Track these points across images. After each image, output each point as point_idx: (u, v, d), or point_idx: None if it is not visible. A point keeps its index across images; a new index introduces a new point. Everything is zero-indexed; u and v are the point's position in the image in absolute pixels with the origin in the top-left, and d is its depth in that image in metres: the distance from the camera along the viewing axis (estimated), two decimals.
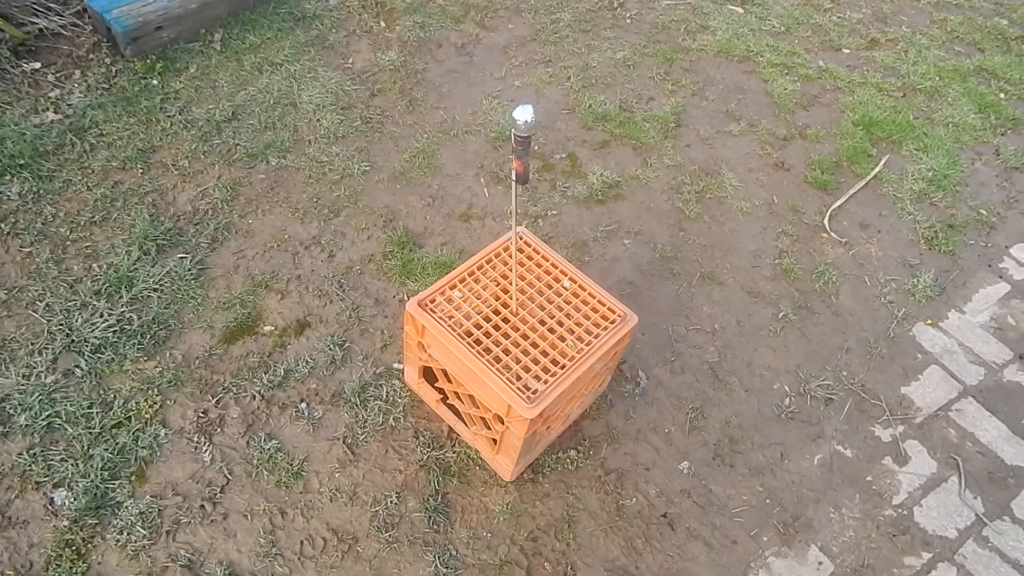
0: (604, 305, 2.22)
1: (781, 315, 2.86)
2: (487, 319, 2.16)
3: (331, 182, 3.09)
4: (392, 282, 2.78)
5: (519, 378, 2.02)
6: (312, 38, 3.65)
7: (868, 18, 4.41)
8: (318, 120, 3.31)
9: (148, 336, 2.51)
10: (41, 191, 2.87)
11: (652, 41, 3.94)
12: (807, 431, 2.54)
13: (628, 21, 4.06)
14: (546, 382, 2.01)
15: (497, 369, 2.01)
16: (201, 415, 2.34)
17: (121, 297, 2.60)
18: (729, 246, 3.06)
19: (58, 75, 3.25)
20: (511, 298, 2.19)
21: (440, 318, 2.12)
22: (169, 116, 3.21)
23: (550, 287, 2.25)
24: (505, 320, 2.18)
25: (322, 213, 2.98)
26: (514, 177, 1.87)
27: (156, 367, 2.44)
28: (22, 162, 2.92)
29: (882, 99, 3.82)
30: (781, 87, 3.80)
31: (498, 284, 2.26)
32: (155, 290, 2.64)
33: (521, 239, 2.35)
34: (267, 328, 2.60)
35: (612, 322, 2.18)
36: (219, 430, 2.31)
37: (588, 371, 2.10)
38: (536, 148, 3.33)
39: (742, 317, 2.83)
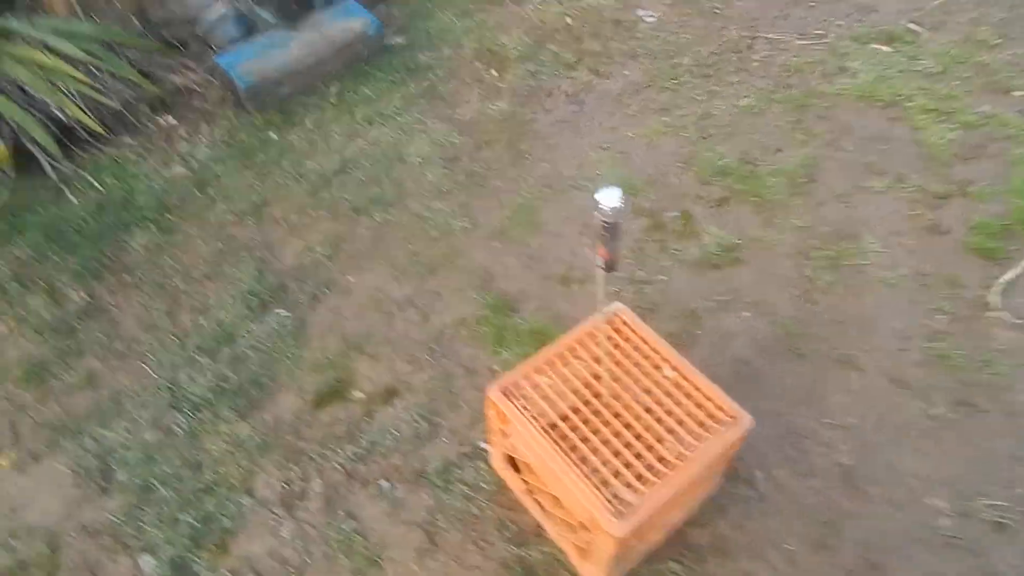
0: (711, 400, 1.96)
1: (935, 412, 2.45)
2: (576, 410, 1.97)
3: (430, 239, 3.03)
4: (484, 349, 2.66)
5: (607, 484, 1.81)
6: (423, 89, 3.64)
7: None
8: (423, 174, 3.28)
9: (243, 396, 2.53)
10: (163, 244, 3.01)
11: (782, 86, 3.62)
12: (971, 564, 2.13)
13: (755, 64, 3.75)
14: (639, 493, 1.79)
15: (583, 472, 1.82)
16: (285, 485, 2.31)
17: (222, 354, 2.64)
18: (869, 324, 2.69)
19: (188, 129, 3.43)
20: (602, 388, 1.99)
21: (524, 407, 1.96)
22: (283, 170, 3.29)
23: (649, 375, 2.03)
24: (596, 413, 1.98)
25: (419, 272, 2.91)
26: (600, 264, 1.68)
27: (248, 430, 2.44)
28: (149, 215, 3.07)
29: None
30: (936, 136, 3.35)
31: (590, 370, 2.07)
32: (254, 348, 2.66)
33: (619, 318, 2.15)
34: (357, 394, 2.55)
35: (720, 423, 1.92)
36: (300, 503, 2.26)
37: (692, 481, 1.85)
38: (646, 206, 3.11)
39: (885, 411, 2.46)
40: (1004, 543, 2.16)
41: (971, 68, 3.67)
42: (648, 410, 1.96)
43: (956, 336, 2.66)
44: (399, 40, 3.85)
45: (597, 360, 2.07)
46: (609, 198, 1.55)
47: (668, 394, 1.99)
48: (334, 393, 2.55)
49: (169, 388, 2.54)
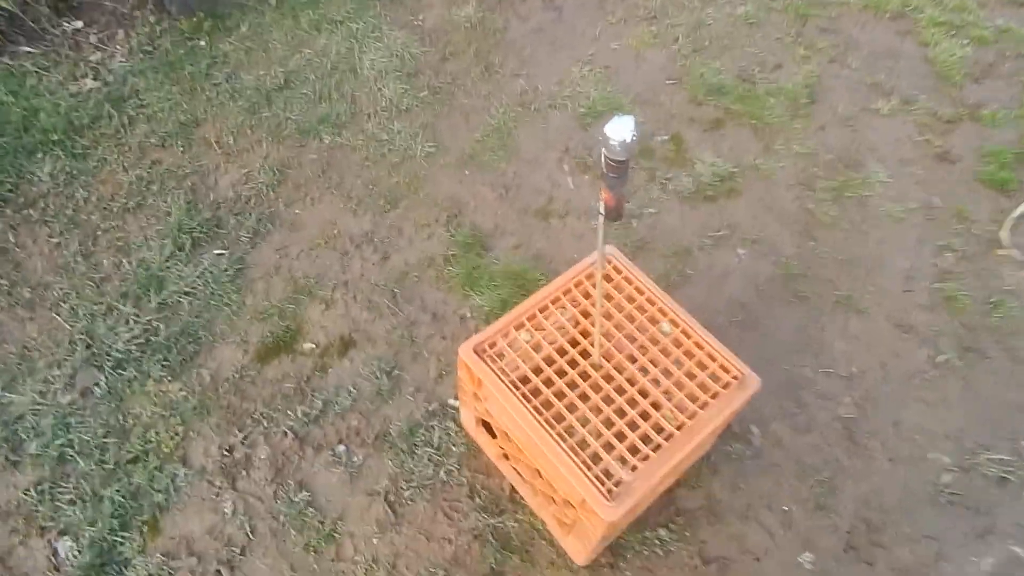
0: (715, 360, 1.71)
1: (941, 359, 2.26)
2: (561, 373, 1.70)
3: (390, 165, 2.66)
4: (453, 293, 2.35)
5: (598, 460, 1.56)
6: None
7: None
8: (379, 89, 2.87)
9: (175, 350, 2.19)
10: (74, 171, 2.58)
11: None
12: (973, 523, 1.97)
13: None
14: (634, 469, 1.54)
15: (570, 447, 1.56)
16: (226, 453, 2.02)
17: (150, 301, 2.29)
18: (874, 263, 2.45)
19: (100, 35, 2.93)
20: (593, 347, 1.72)
21: (500, 370, 1.67)
22: (215, 84, 2.84)
23: (644, 330, 1.76)
24: (584, 376, 1.71)
25: (377, 204, 2.56)
26: (601, 210, 1.37)
27: (181, 389, 2.12)
28: (55, 137, 2.63)
29: None
30: (946, 52, 3.04)
31: (577, 324, 1.79)
32: (187, 294, 2.31)
33: (609, 263, 1.85)
34: (307, 345, 2.23)
35: (726, 386, 1.67)
36: (244, 473, 1.98)
37: (694, 451, 1.61)
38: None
39: (888, 359, 2.25)
40: (1008, 499, 2.01)
41: None
42: (643, 371, 1.70)
43: (965, 276, 2.44)
44: None
45: (586, 313, 1.78)
46: (619, 130, 1.22)
47: (666, 352, 1.73)
48: (281, 345, 2.23)
49: (86, 342, 2.19)
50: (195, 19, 2.96)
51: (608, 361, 1.72)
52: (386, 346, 2.23)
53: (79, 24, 2.92)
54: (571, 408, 1.63)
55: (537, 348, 1.73)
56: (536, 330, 1.75)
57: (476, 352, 1.71)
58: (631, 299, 1.81)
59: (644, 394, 1.66)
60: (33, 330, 2.24)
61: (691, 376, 1.69)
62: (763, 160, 2.69)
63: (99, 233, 2.45)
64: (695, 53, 3.01)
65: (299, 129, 2.75)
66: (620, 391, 1.67)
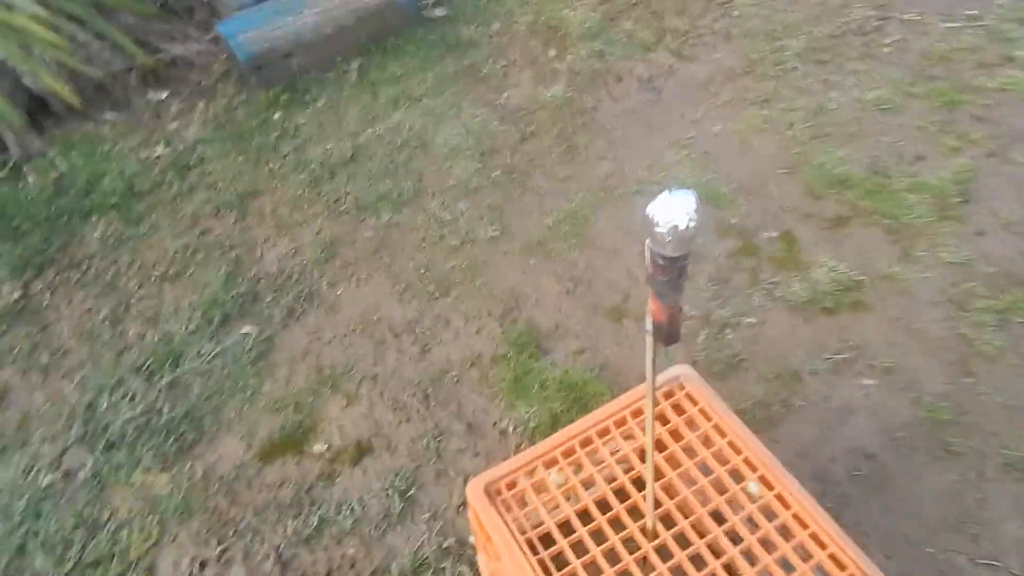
0: (823, 547, 1.18)
1: None
2: (599, 537, 1.23)
3: (448, 248, 2.37)
4: (497, 401, 1.95)
5: None
6: (463, 69, 3.00)
7: None
8: (449, 167, 2.62)
9: (174, 437, 1.92)
10: (124, 236, 2.47)
11: (923, 77, 2.77)
12: None
13: (886, 50, 2.92)
14: None
15: None
16: (196, 570, 1.67)
17: (162, 378, 2.05)
18: None
19: (182, 106, 2.91)
20: (646, 506, 1.25)
21: (515, 522, 1.24)
22: (282, 156, 2.71)
23: (723, 489, 1.27)
24: (631, 545, 1.24)
25: (427, 290, 2.25)
26: (648, 327, 0.96)
27: (168, 483, 1.83)
28: (113, 201, 2.55)
29: None
30: None
31: (631, 470, 1.33)
32: (202, 374, 2.06)
33: (682, 390, 1.40)
34: (318, 447, 1.89)
35: None
36: None
37: None
38: (734, 222, 2.35)
39: None
40: None
41: None
42: (714, 551, 1.20)
43: None
44: (439, 12, 3.24)
45: (640, 455, 1.33)
46: (671, 211, 0.83)
47: (752, 526, 1.23)
48: (289, 443, 1.91)
49: (85, 416, 1.96)
50: (273, 92, 2.88)
51: (667, 529, 1.24)
52: (407, 458, 1.85)
53: (164, 95, 2.92)
54: None
55: (571, 496, 1.29)
56: (574, 471, 1.31)
57: (488, 494, 1.29)
58: (708, 442, 1.33)
59: None
60: (40, 398, 2.05)
61: (786, 567, 1.17)
62: (900, 269, 2.16)
63: (132, 301, 2.28)
64: (814, 140, 2.58)
65: (358, 205, 2.53)
66: (678, 574, 1.18)
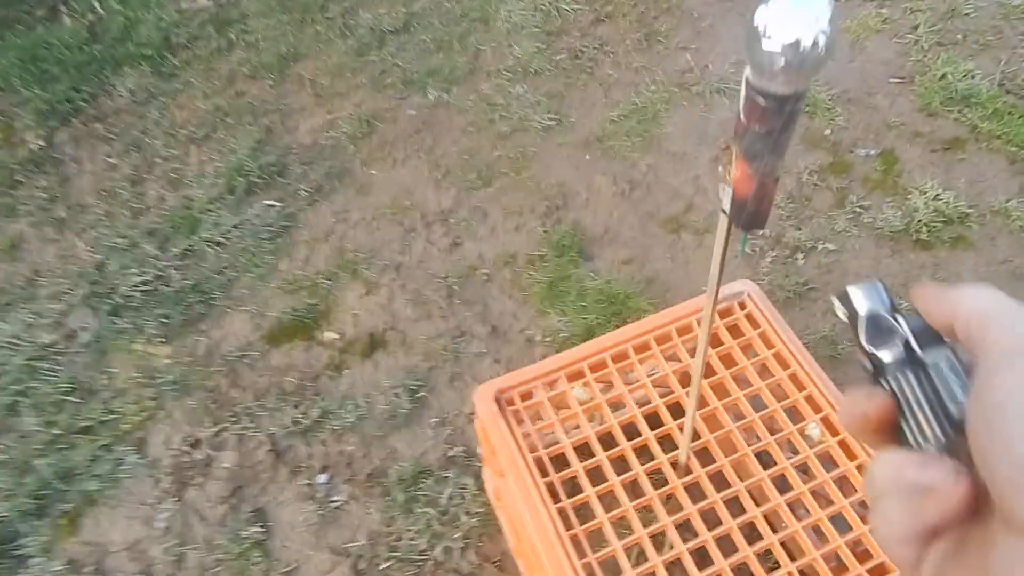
0: None
1: None
2: (621, 465, 1.04)
3: (497, 134, 2.12)
4: (527, 306, 1.76)
5: None
6: None
7: None
8: (510, 45, 2.34)
9: (181, 307, 1.80)
10: (155, 91, 2.30)
11: None
12: None
13: None
14: None
15: None
16: (187, 449, 1.57)
17: (176, 245, 1.92)
18: None
19: None
20: (683, 436, 1.04)
21: (528, 440, 1.06)
22: (329, 18, 2.47)
23: (777, 428, 1.05)
24: (658, 479, 1.04)
25: (468, 178, 2.03)
26: (726, 205, 0.71)
27: (169, 356, 1.72)
28: (148, 52, 2.37)
29: None
30: None
31: (669, 393, 1.12)
32: (218, 244, 1.92)
33: (743, 308, 1.16)
34: (328, 335, 1.75)
35: None
36: (199, 480, 1.52)
37: None
38: (827, 133, 2.01)
39: None
40: None
41: None
42: (755, 499, 0.99)
43: None
44: None
45: (681, 378, 1.11)
46: (795, 18, 0.56)
47: (807, 474, 1.01)
48: (300, 327, 1.76)
49: (94, 277, 1.86)
50: None
51: (703, 466, 1.04)
52: (422, 356, 1.69)
53: None
54: (621, 530, 0.98)
55: (595, 417, 1.10)
56: (602, 389, 1.11)
57: (498, 401, 1.10)
58: (765, 372, 1.10)
59: (755, 537, 0.97)
60: (51, 253, 1.95)
61: (840, 526, 0.96)
62: (1017, 205, 1.81)
63: (157, 161, 2.14)
64: (939, 47, 2.18)
65: (405, 79, 2.29)
66: (712, 521, 0.98)
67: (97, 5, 2.48)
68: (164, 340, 1.75)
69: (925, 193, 1.86)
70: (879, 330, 0.31)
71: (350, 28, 2.43)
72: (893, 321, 0.30)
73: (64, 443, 1.58)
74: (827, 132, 2.02)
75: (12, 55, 2.34)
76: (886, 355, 0.29)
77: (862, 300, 0.32)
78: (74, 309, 1.81)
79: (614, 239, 1.86)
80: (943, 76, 2.10)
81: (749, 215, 0.68)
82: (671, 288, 1.74)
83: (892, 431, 0.28)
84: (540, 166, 2.05)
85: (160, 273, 1.86)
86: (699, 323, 1.14)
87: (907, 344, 0.29)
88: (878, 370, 0.30)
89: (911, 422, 0.27)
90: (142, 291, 1.83)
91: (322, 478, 1.51)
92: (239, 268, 1.88)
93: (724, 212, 0.73)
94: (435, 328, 1.74)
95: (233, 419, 1.60)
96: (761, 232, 1.73)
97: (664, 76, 2.23)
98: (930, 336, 0.28)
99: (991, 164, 1.93)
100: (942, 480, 0.24)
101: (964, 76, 2.09)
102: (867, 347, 0.30)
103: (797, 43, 0.56)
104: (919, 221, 1.81)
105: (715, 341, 1.13)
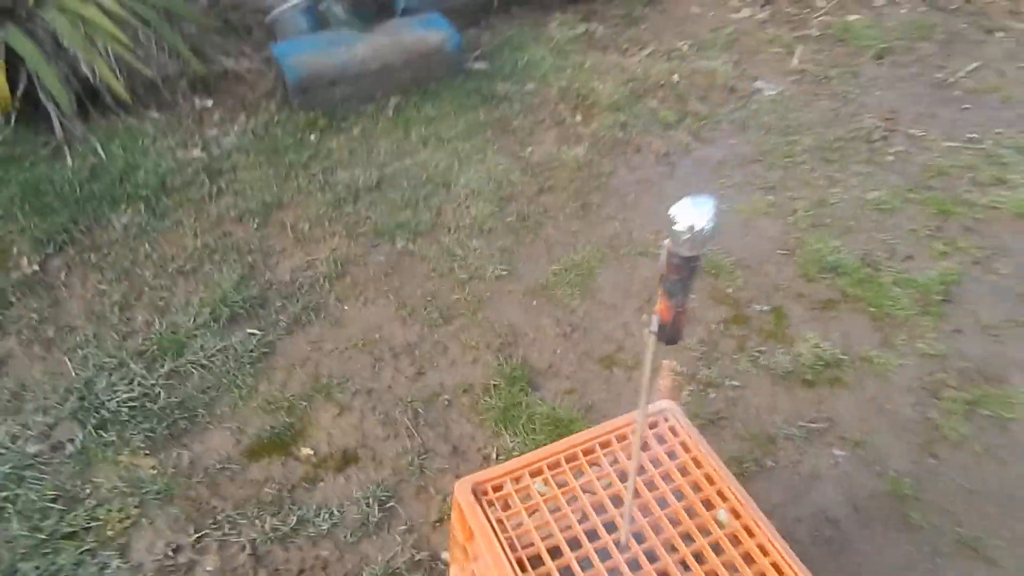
0: (782, 574, 1.25)
1: None
2: (575, 544, 1.29)
3: (456, 281, 2.47)
4: (484, 429, 2.02)
5: None
6: (493, 120, 3.17)
7: None
8: (467, 207, 2.75)
9: (166, 423, 1.97)
10: (147, 227, 2.56)
11: (921, 186, 2.94)
12: None
13: (890, 159, 3.10)
14: None
15: None
16: (170, 553, 1.69)
17: (163, 366, 2.11)
18: (1011, 502, 1.90)
19: (224, 115, 3.06)
20: (622, 520, 1.31)
21: (501, 524, 1.30)
22: (311, 174, 2.84)
23: (694, 514, 1.34)
24: (604, 554, 1.30)
25: (431, 317, 2.33)
26: (653, 327, 1.05)
27: (153, 467, 1.87)
28: (144, 193, 2.66)
29: None
30: None
31: (610, 486, 1.40)
32: (202, 366, 2.12)
33: (665, 423, 1.48)
34: (305, 451, 1.94)
35: None
36: None
37: None
38: (729, 292, 2.46)
39: None
40: None
41: None
42: (683, 567, 1.26)
43: None
44: (480, 66, 3.44)
45: (623, 475, 1.40)
46: (692, 214, 0.94)
47: (717, 549, 1.29)
48: (278, 443, 1.95)
49: (82, 393, 2.01)
50: (312, 115, 3.04)
51: (639, 543, 1.30)
52: (390, 471, 1.90)
53: (209, 103, 3.07)
54: None
55: (552, 506, 1.35)
56: (558, 484, 1.38)
57: (475, 493, 1.35)
58: (684, 471, 1.40)
59: None
60: (39, 370, 2.10)
61: None
62: (879, 353, 2.26)
63: (146, 289, 2.36)
64: (813, 228, 2.72)
65: (376, 230, 2.64)
66: None
67: (99, 148, 2.78)
68: (148, 452, 1.90)
69: (808, 342, 2.29)
70: None
71: (329, 184, 2.81)
72: None
73: (49, 548, 1.67)
74: (729, 291, 2.47)
75: (15, 187, 2.58)
76: None
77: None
78: (61, 422, 1.95)
79: (557, 372, 2.18)
80: (817, 250, 2.62)
81: (669, 334, 1.02)
82: (607, 414, 2.03)
83: None
84: (493, 309, 2.38)
85: (147, 391, 2.04)
86: (633, 432, 1.44)
87: None
88: None
89: None
90: (129, 407, 1.99)
91: None
92: (222, 388, 2.08)
93: (652, 332, 1.07)
94: (402, 446, 1.96)
95: (215, 526, 1.75)
96: (678, 343, 2.10)
97: (597, 239, 2.67)
98: None
99: (857, 321, 2.39)
100: None
101: (833, 251, 2.62)
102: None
103: (693, 227, 0.94)
104: (804, 364, 2.22)
105: (645, 446, 1.43)
